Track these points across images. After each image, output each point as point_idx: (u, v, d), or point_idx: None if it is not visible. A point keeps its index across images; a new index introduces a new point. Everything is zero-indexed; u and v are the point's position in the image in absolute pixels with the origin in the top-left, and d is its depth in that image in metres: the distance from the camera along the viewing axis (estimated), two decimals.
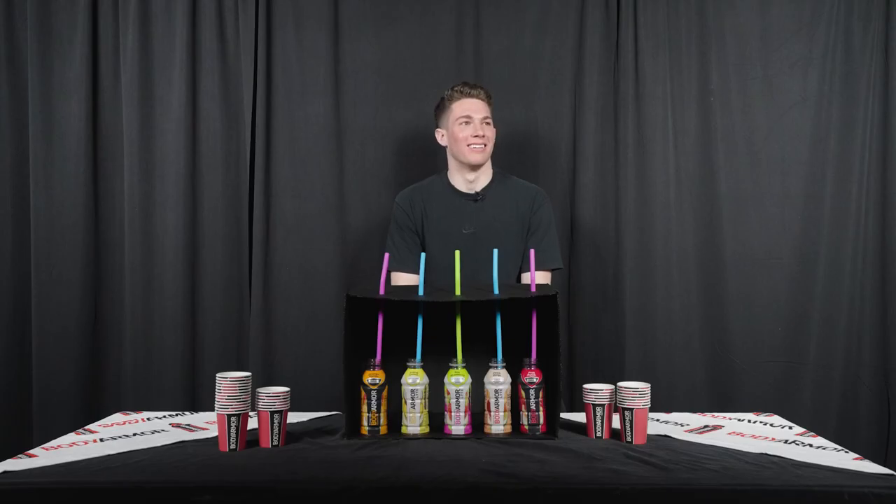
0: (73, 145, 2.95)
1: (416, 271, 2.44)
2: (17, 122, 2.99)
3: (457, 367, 1.83)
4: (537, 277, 2.49)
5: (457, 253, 1.94)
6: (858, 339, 2.99)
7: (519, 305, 1.90)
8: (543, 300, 1.87)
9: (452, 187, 2.54)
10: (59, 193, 2.95)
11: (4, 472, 1.53)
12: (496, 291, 1.88)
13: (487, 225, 2.50)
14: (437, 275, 2.44)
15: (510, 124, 2.86)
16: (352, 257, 3.00)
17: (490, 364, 1.84)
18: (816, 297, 2.98)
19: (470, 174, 2.52)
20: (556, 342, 1.80)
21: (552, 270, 2.56)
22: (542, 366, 1.84)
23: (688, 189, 3.00)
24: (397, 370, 1.84)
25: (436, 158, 2.74)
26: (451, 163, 2.55)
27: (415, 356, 1.85)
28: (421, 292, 1.89)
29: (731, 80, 3.00)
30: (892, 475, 1.50)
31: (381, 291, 1.89)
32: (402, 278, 2.52)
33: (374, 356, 1.84)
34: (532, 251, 2.01)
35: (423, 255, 1.99)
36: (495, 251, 1.93)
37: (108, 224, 3.00)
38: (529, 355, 1.85)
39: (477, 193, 2.53)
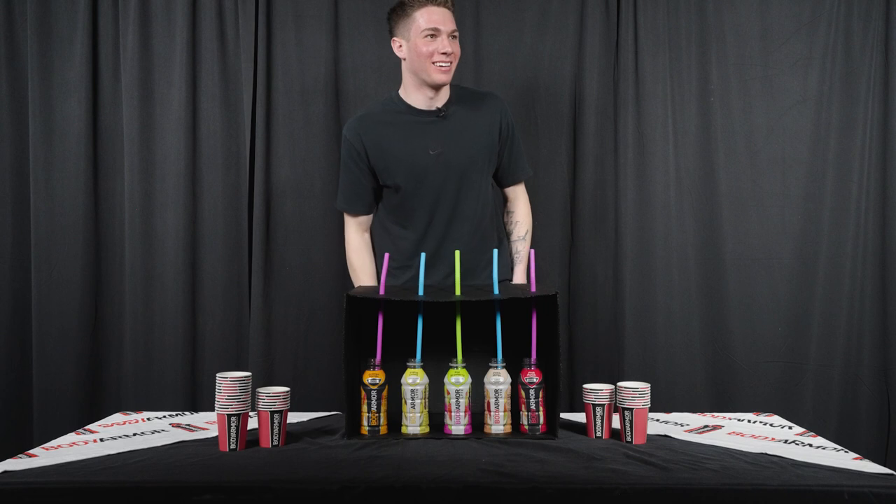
0: (73, 145, 2.95)
1: (370, 212, 2.43)
2: (17, 122, 2.99)
3: (457, 367, 1.83)
4: (520, 189, 2.48)
5: (457, 253, 1.94)
6: (858, 339, 2.99)
7: (519, 305, 1.90)
8: (543, 300, 1.87)
9: (409, 105, 2.31)
10: (59, 193, 2.95)
11: (4, 472, 1.53)
12: (496, 291, 1.88)
13: (455, 144, 2.29)
14: (416, 208, 2.32)
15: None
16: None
17: (490, 364, 1.84)
18: (816, 297, 2.98)
19: (430, 91, 2.28)
20: (556, 342, 1.80)
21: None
22: (542, 366, 1.84)
23: (688, 189, 3.00)
24: (397, 370, 1.84)
25: None
26: (409, 79, 2.31)
27: (415, 356, 1.85)
28: (421, 292, 1.89)
29: (731, 80, 3.00)
30: (892, 475, 1.51)
31: (381, 291, 1.89)
32: (353, 222, 2.44)
33: (374, 356, 1.84)
34: (532, 252, 2.00)
35: (422, 255, 1.98)
36: (495, 251, 1.93)
37: (108, 224, 3.00)
38: (529, 355, 1.85)
39: (439, 109, 2.30)
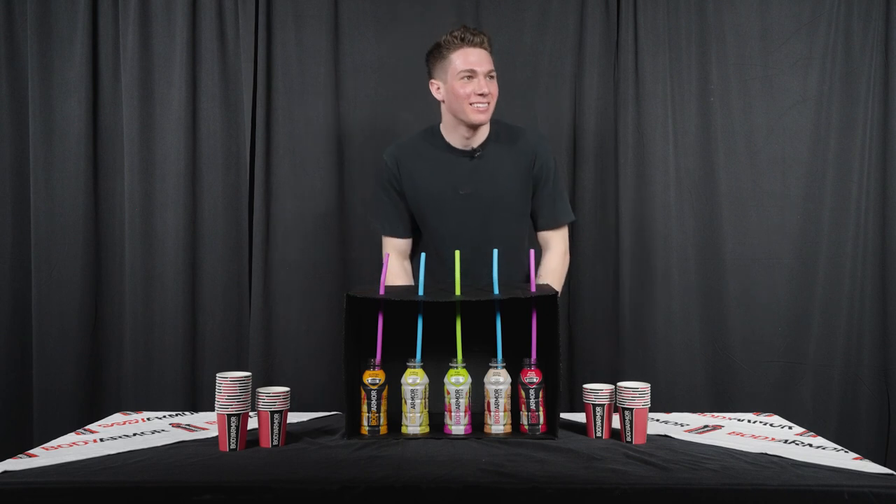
0: (73, 145, 2.95)
1: (408, 236, 2.40)
2: (17, 122, 2.99)
3: (457, 367, 1.83)
4: (556, 236, 2.39)
5: (457, 253, 1.93)
6: (858, 339, 2.99)
7: (519, 305, 1.90)
8: (543, 300, 1.87)
9: (446, 143, 2.31)
10: (59, 193, 2.95)
11: (4, 472, 1.53)
12: (496, 291, 1.88)
13: (486, 184, 2.28)
14: (439, 243, 2.28)
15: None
16: (352, 257, 3.00)
17: (490, 364, 1.84)
18: (816, 297, 2.98)
19: (467, 131, 2.28)
20: (556, 342, 1.80)
21: (567, 224, 2.40)
22: (542, 366, 1.84)
23: (688, 189, 3.00)
24: (397, 370, 1.84)
25: None
26: (447, 119, 2.31)
27: (415, 356, 1.85)
28: (421, 292, 1.89)
29: (731, 80, 3.00)
30: (892, 475, 1.50)
31: (381, 291, 1.89)
32: (392, 245, 2.38)
33: (374, 356, 1.84)
34: (531, 252, 2.00)
35: (423, 255, 1.98)
36: (495, 251, 1.93)
37: (108, 224, 3.00)
38: (529, 355, 1.85)
39: (474, 150, 2.29)
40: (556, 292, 1.84)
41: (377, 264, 1.97)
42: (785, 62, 3.00)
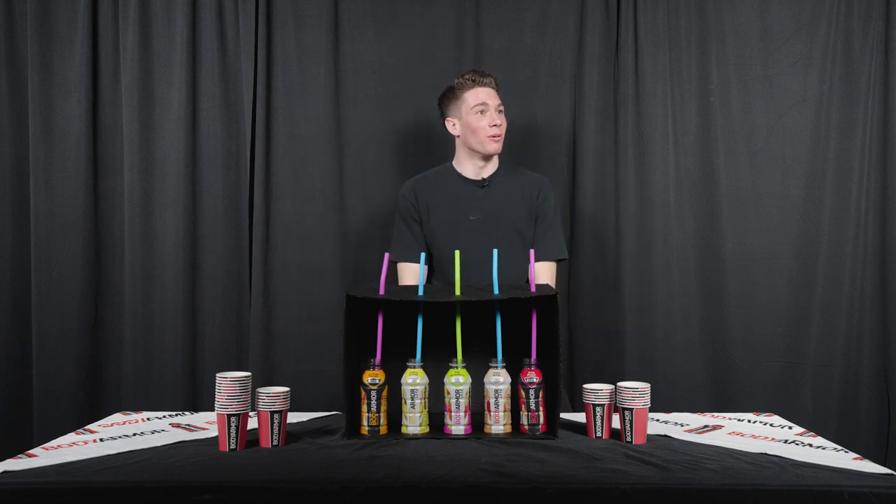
0: (73, 145, 2.95)
1: (417, 262, 2.44)
2: (17, 122, 2.99)
3: (457, 367, 1.83)
4: (544, 269, 2.49)
5: (457, 253, 1.94)
6: (858, 339, 2.99)
7: (519, 305, 1.90)
8: (543, 300, 1.87)
9: (459, 175, 2.53)
10: (59, 193, 2.95)
11: (4, 472, 1.53)
12: (496, 291, 1.88)
13: (494, 211, 2.49)
14: (448, 265, 2.39)
15: (510, 124, 2.86)
16: (352, 257, 3.00)
17: (490, 364, 1.84)
18: (816, 297, 2.98)
19: (480, 162, 2.51)
20: (556, 342, 1.80)
21: (558, 262, 2.55)
22: (542, 366, 1.84)
23: (688, 189, 3.00)
24: (397, 370, 1.84)
25: (436, 158, 2.74)
26: (462, 151, 2.54)
27: (415, 356, 1.85)
28: (421, 292, 1.89)
29: (731, 80, 3.00)
30: (892, 475, 1.50)
31: (381, 291, 1.89)
32: (408, 269, 2.51)
33: (374, 356, 1.84)
34: (532, 251, 2.01)
35: (422, 254, 1.99)
36: (495, 251, 1.93)
37: (108, 224, 3.00)
38: (529, 355, 1.85)
39: (483, 180, 2.51)
40: (557, 292, 1.84)
41: (377, 264, 1.97)
42: (785, 62, 3.00)
